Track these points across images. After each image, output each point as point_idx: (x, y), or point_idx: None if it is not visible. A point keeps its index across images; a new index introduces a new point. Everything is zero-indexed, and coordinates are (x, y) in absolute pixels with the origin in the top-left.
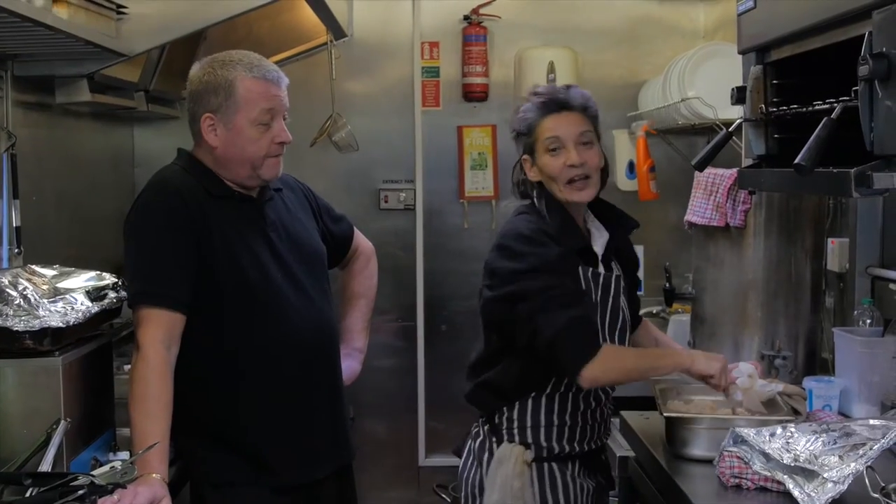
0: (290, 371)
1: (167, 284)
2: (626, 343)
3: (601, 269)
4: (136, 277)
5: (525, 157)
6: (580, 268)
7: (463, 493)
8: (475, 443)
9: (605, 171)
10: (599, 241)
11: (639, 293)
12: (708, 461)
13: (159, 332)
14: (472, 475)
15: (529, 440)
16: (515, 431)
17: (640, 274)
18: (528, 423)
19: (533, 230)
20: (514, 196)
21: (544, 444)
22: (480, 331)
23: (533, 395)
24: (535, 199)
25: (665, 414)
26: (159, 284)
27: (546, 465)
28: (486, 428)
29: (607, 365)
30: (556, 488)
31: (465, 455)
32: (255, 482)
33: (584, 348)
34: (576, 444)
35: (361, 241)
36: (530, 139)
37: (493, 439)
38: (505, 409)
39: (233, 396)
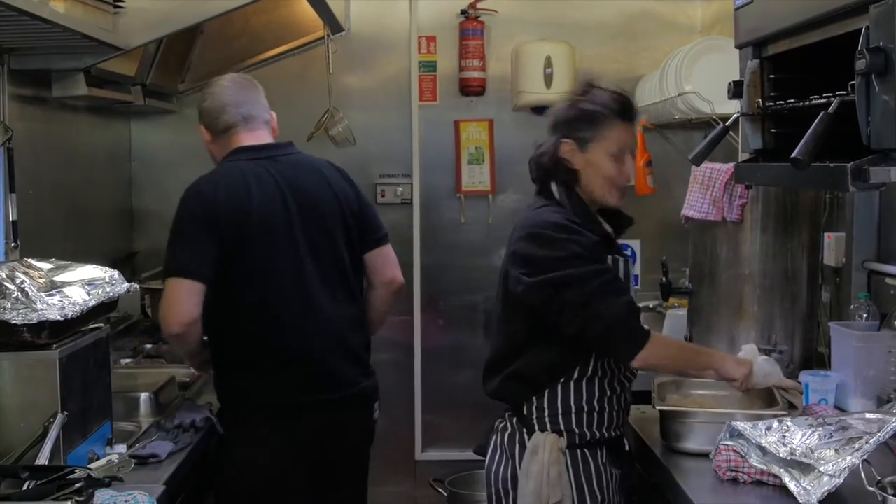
0: None
1: None
2: None
3: (620, 257)
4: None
5: (568, 140)
6: (609, 256)
7: (493, 490)
8: (502, 437)
9: None
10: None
11: (636, 287)
12: (703, 455)
13: None
14: (501, 470)
15: (562, 427)
16: (547, 420)
17: (637, 269)
18: (559, 410)
19: (563, 219)
20: (532, 178)
21: (576, 429)
22: (494, 326)
23: (562, 381)
24: (554, 190)
25: (658, 407)
26: None
27: (579, 451)
28: (514, 420)
29: (658, 351)
30: (591, 474)
31: (490, 451)
32: None
33: (638, 334)
34: (603, 431)
35: None
36: (593, 133)
37: (524, 430)
38: (534, 398)
39: None
